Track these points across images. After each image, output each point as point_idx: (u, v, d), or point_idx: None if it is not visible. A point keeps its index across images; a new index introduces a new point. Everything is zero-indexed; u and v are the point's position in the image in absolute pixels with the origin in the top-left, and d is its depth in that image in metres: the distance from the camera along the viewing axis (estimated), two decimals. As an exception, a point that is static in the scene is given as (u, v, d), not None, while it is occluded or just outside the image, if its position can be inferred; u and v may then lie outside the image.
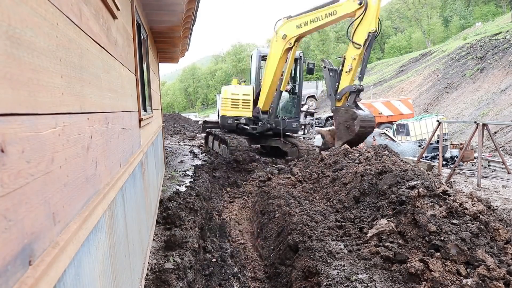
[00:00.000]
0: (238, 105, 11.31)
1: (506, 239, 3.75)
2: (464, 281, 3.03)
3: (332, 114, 9.42)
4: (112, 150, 2.20)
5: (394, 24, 70.35)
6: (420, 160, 10.71)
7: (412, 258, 3.55)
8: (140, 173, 3.68)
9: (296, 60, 11.03)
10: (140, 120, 3.78)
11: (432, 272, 3.19)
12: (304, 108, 21.80)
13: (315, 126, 20.44)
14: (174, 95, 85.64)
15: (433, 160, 12.31)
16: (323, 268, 3.50)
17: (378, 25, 8.30)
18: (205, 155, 11.76)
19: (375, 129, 17.18)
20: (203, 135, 14.91)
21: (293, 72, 11.39)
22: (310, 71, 11.29)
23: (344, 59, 8.58)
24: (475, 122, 8.92)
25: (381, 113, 19.62)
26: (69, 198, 1.33)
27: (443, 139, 11.19)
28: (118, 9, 2.58)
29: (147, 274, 3.54)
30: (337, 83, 8.73)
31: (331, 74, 8.88)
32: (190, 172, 9.07)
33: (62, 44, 1.34)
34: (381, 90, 32.74)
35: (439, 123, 10.00)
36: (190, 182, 7.63)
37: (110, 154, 2.15)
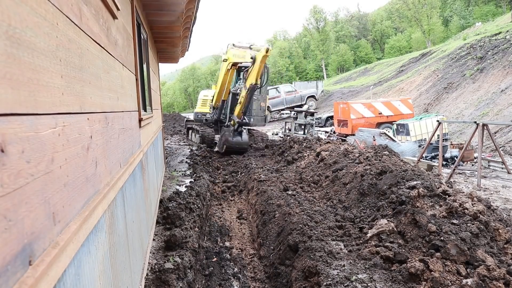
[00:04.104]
0: (206, 104, 15.28)
1: (506, 239, 3.76)
2: (464, 281, 3.03)
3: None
4: (112, 150, 2.20)
5: (394, 24, 70.26)
6: (420, 160, 10.70)
7: (412, 258, 3.55)
8: (140, 173, 3.68)
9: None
10: (140, 120, 3.78)
11: (432, 272, 3.19)
12: (304, 108, 21.81)
13: (315, 126, 20.42)
14: (174, 95, 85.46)
15: (433, 160, 12.29)
16: (323, 268, 3.50)
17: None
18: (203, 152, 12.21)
19: (375, 129, 17.22)
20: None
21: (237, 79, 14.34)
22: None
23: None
24: (475, 122, 8.90)
25: (381, 113, 19.58)
26: (69, 198, 1.33)
27: (443, 139, 11.16)
28: (118, 9, 2.58)
29: (147, 274, 3.54)
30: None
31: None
32: (190, 172, 9.07)
33: (62, 44, 1.34)
34: (381, 90, 32.67)
35: (439, 123, 9.99)
36: (190, 182, 7.63)
37: (110, 154, 2.14)
